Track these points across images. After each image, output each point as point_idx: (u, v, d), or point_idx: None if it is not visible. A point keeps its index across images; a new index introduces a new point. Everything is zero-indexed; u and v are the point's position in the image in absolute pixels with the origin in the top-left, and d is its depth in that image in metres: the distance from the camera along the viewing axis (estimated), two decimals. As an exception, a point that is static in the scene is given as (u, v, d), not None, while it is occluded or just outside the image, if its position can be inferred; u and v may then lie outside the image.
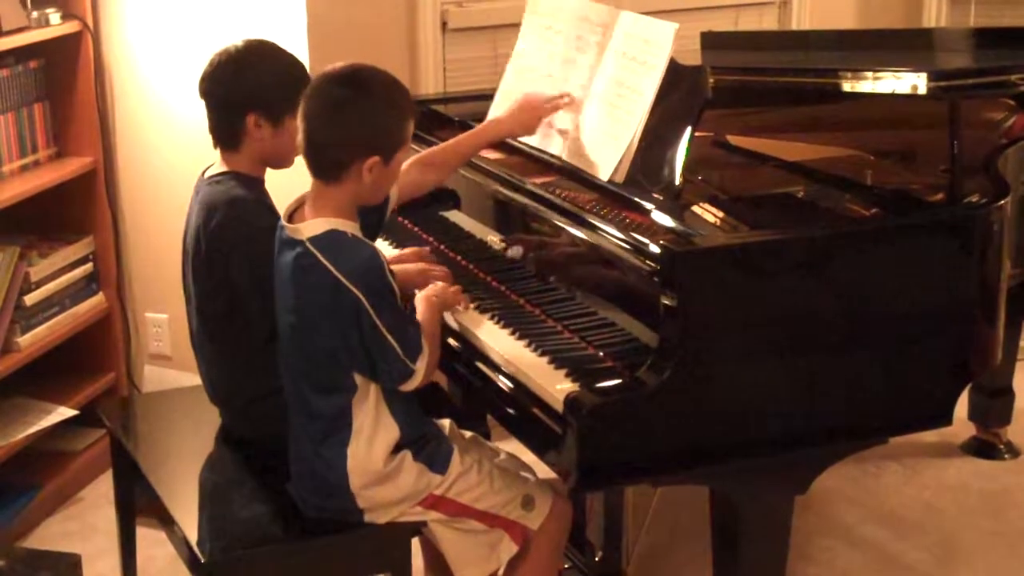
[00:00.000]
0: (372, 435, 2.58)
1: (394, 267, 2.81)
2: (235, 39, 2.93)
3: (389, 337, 2.50)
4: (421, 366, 2.55)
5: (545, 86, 3.08)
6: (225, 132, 2.87)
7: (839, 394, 2.54)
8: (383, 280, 2.51)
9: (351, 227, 2.56)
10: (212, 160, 2.93)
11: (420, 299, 2.75)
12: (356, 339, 2.50)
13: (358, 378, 2.56)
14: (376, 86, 2.55)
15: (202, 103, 2.90)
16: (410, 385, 2.57)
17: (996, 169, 2.94)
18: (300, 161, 2.61)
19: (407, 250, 3.09)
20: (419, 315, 2.68)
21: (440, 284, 2.82)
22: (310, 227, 2.54)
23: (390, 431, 2.60)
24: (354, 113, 2.51)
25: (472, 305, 2.84)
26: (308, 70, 2.89)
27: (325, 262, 2.49)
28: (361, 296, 2.47)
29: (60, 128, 3.94)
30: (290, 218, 2.60)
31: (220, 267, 2.78)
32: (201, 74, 2.89)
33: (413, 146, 3.32)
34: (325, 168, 2.55)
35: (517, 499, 2.68)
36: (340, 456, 2.57)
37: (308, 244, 2.52)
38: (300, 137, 2.55)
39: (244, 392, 2.86)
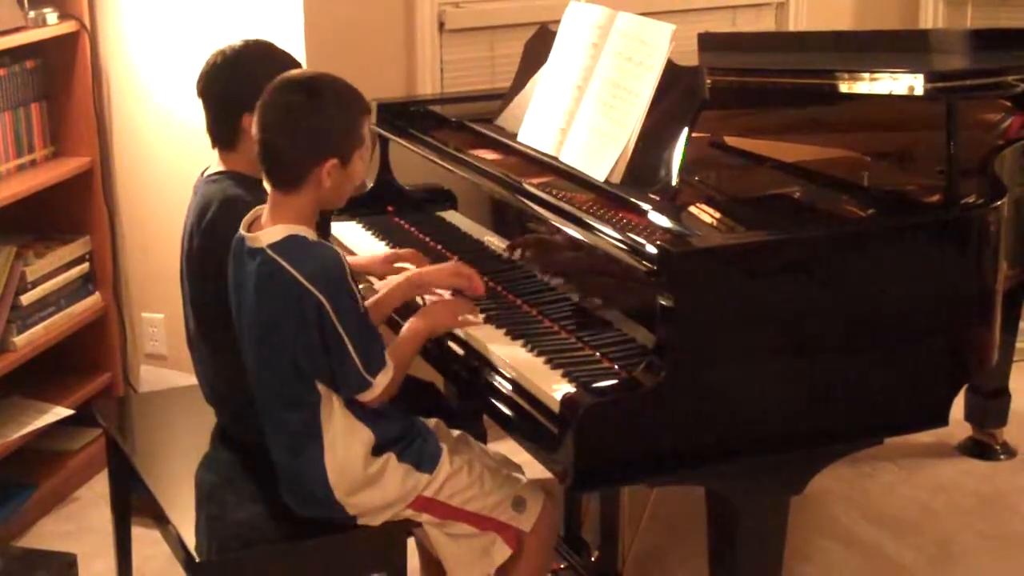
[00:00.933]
0: (346, 443, 2.58)
1: (427, 268, 2.83)
2: (232, 39, 2.93)
3: (348, 344, 2.49)
4: (382, 380, 2.54)
5: (545, 87, 3.09)
6: (223, 132, 2.87)
7: (835, 395, 2.54)
8: (344, 282, 2.50)
9: (310, 232, 2.56)
10: (209, 160, 2.94)
11: (420, 312, 2.73)
12: (318, 344, 2.49)
13: (321, 388, 2.55)
14: (325, 89, 2.55)
15: (199, 103, 2.90)
16: (366, 397, 2.56)
17: (992, 170, 2.95)
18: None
19: (404, 250, 3.09)
20: (405, 328, 2.67)
21: (450, 301, 2.79)
22: (269, 234, 2.54)
23: (361, 434, 2.59)
24: (307, 117, 2.51)
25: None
26: (304, 68, 2.89)
27: (287, 266, 2.49)
28: (323, 298, 2.47)
29: (57, 128, 3.94)
30: (248, 229, 2.60)
31: (213, 265, 2.78)
32: (199, 74, 2.89)
33: (410, 146, 3.35)
34: (284, 177, 2.55)
35: (508, 500, 2.67)
36: (319, 468, 2.57)
37: (268, 250, 2.52)
38: (256, 149, 2.55)
39: (239, 393, 2.85)
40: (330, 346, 2.49)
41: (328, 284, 2.48)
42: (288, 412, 2.58)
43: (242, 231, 2.60)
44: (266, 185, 2.58)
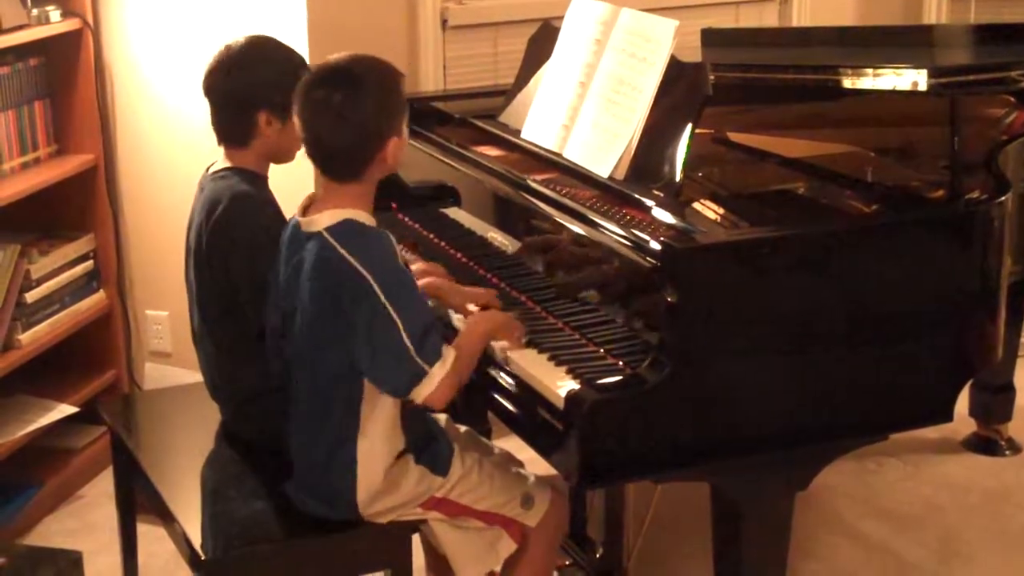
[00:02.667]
0: (381, 447, 2.56)
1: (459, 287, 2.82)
2: (236, 37, 2.93)
3: (401, 329, 2.43)
4: (438, 371, 2.47)
5: (549, 84, 3.09)
6: (235, 130, 2.86)
7: (840, 390, 2.54)
8: (396, 264, 2.48)
9: (368, 217, 2.54)
10: (213, 157, 2.93)
11: (481, 314, 2.71)
12: (366, 334, 2.45)
13: (367, 386, 2.52)
14: (366, 75, 2.52)
15: (203, 100, 2.90)
16: (423, 391, 2.47)
17: (996, 165, 2.94)
18: (299, 156, 2.61)
19: (430, 264, 3.06)
20: (466, 328, 2.63)
21: (512, 319, 2.70)
22: (325, 218, 2.52)
23: (396, 441, 2.58)
24: (357, 109, 2.49)
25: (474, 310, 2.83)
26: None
27: (342, 251, 2.47)
28: (375, 284, 2.44)
29: (61, 125, 3.94)
30: (302, 214, 2.59)
31: (221, 262, 2.78)
32: (205, 71, 2.88)
33: (414, 143, 3.35)
34: (345, 170, 2.53)
35: (517, 498, 2.68)
36: (349, 468, 2.55)
37: (325, 234, 2.50)
38: (306, 146, 2.54)
39: (244, 389, 2.86)
40: (380, 333, 2.44)
41: (383, 270, 2.46)
42: (328, 406, 2.55)
43: (297, 215, 2.58)
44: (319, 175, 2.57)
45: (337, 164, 2.54)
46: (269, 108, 2.80)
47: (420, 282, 2.73)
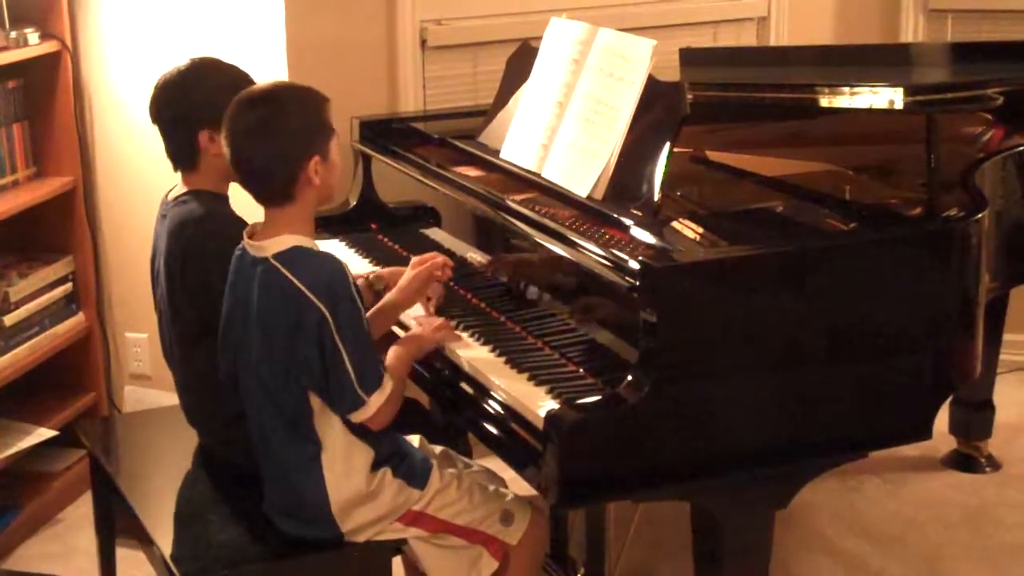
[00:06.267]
0: (345, 459, 2.57)
1: (391, 295, 2.83)
2: (215, 58, 2.93)
3: (346, 358, 2.48)
4: (376, 400, 2.53)
5: (527, 104, 3.09)
6: (182, 152, 2.88)
7: (819, 408, 2.54)
8: (347, 293, 2.50)
9: (312, 242, 2.57)
10: (175, 182, 2.93)
11: (404, 337, 2.73)
12: (317, 356, 2.48)
13: (315, 403, 2.55)
14: (283, 95, 2.59)
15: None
16: (360, 416, 2.54)
17: (974, 183, 2.95)
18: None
19: (386, 270, 3.07)
20: (390, 354, 2.65)
21: (426, 320, 2.79)
22: (273, 244, 2.54)
23: (361, 451, 2.59)
24: (277, 128, 2.52)
25: (452, 323, 2.84)
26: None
27: (289, 276, 2.49)
28: (324, 309, 2.47)
29: (39, 148, 3.93)
30: (249, 239, 2.61)
31: (198, 286, 2.77)
32: (149, 100, 2.89)
33: (393, 164, 3.35)
34: (275, 193, 2.56)
35: (496, 514, 2.68)
36: (318, 484, 2.56)
37: (272, 260, 2.52)
38: (238, 175, 2.57)
39: (220, 413, 2.85)
40: (327, 359, 2.48)
41: (330, 295, 2.48)
42: (288, 426, 2.57)
43: (245, 241, 2.59)
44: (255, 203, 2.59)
45: (262, 184, 2.56)
46: (209, 127, 2.80)
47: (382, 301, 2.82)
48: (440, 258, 2.87)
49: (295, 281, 2.49)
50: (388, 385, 2.55)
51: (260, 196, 2.58)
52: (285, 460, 2.59)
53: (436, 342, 2.76)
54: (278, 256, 2.52)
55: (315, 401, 2.55)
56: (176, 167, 2.91)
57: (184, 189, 2.88)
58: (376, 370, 2.54)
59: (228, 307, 2.64)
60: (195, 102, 2.83)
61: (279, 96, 2.59)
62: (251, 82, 2.86)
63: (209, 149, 2.83)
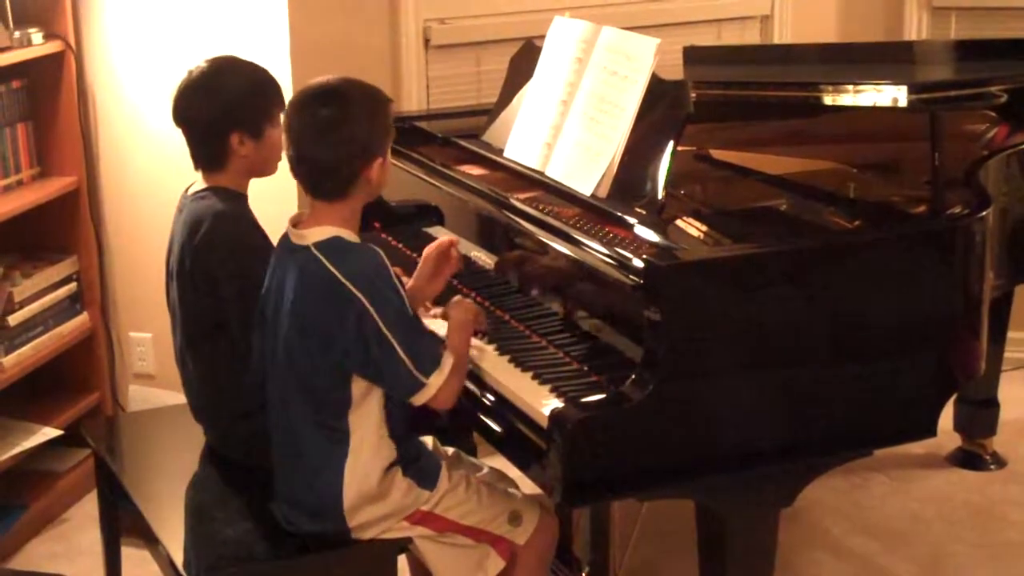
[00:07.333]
0: (370, 455, 2.57)
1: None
2: (233, 56, 2.93)
3: (395, 344, 2.47)
4: (436, 381, 2.51)
5: (531, 103, 3.09)
6: (210, 155, 2.86)
7: (824, 406, 2.54)
8: (387, 282, 2.50)
9: (354, 235, 2.57)
10: (195, 178, 2.93)
11: (451, 325, 2.70)
12: (361, 347, 2.47)
13: (356, 393, 2.54)
14: (352, 94, 2.56)
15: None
16: (421, 399, 2.53)
17: (978, 180, 2.95)
18: (283, 175, 2.60)
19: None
20: (451, 327, 2.64)
21: (469, 307, 2.74)
22: (315, 233, 2.54)
23: (387, 451, 2.59)
24: (345, 128, 2.51)
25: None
26: (289, 85, 2.89)
27: (329, 265, 2.49)
28: (364, 299, 2.46)
29: (43, 148, 3.93)
30: (293, 227, 2.60)
31: (208, 281, 2.78)
32: (172, 101, 2.88)
33: (397, 163, 3.35)
34: (332, 189, 2.55)
35: (504, 514, 2.68)
36: (336, 476, 2.56)
37: (313, 249, 2.52)
38: (291, 164, 2.55)
39: (228, 411, 2.85)
40: (375, 347, 2.47)
41: (369, 285, 2.48)
42: (318, 417, 2.56)
43: (288, 228, 2.60)
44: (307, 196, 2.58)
45: (322, 181, 2.55)
46: (239, 129, 2.80)
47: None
48: (447, 238, 2.87)
49: (335, 271, 2.48)
50: (448, 362, 2.53)
51: (315, 191, 2.57)
52: (308, 451, 2.58)
53: (477, 312, 2.73)
54: (319, 245, 2.52)
55: (357, 392, 2.53)
56: (198, 167, 2.89)
57: (204, 185, 2.88)
58: (432, 350, 2.53)
59: (264, 293, 2.63)
60: (223, 105, 2.81)
61: (347, 95, 2.55)
62: (273, 79, 2.87)
63: (239, 151, 2.83)
